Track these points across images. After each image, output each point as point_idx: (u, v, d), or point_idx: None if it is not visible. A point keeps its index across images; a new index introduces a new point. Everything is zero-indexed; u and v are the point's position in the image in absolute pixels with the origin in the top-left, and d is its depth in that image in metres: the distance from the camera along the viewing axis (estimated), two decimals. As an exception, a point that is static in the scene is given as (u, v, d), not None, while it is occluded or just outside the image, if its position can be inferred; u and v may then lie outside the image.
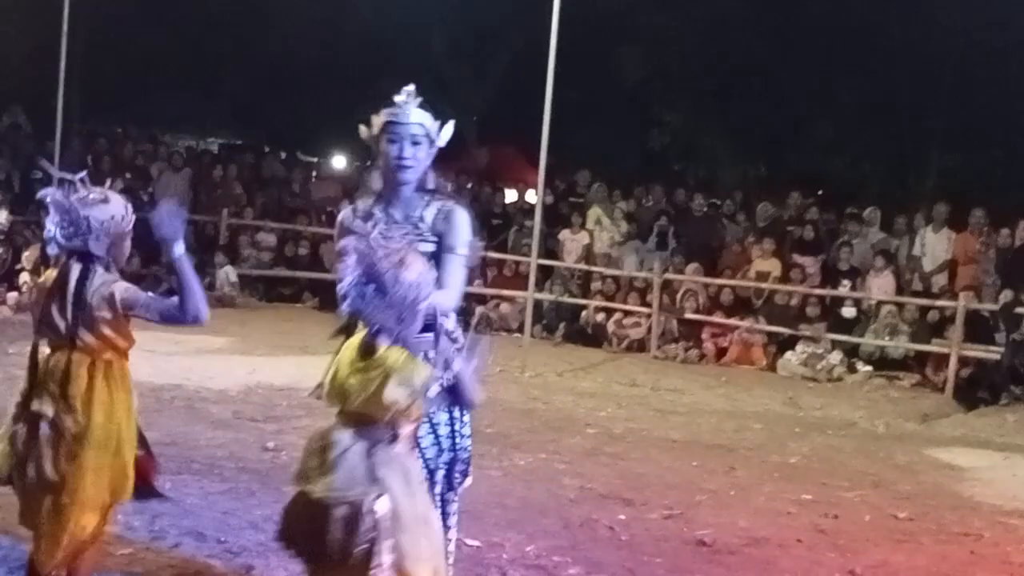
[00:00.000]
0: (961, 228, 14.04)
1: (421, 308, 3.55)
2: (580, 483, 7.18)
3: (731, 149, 20.66)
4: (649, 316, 14.07)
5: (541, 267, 14.22)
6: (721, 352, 13.63)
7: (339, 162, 24.67)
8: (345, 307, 3.60)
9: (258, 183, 18.12)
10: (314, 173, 21.45)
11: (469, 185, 18.74)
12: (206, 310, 3.93)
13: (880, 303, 13.44)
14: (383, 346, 3.49)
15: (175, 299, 3.90)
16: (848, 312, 13.65)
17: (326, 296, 15.91)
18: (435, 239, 4.21)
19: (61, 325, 4.01)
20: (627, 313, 14.41)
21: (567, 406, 10.10)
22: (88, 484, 3.91)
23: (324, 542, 3.40)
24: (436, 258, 4.09)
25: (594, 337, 14.37)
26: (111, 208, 4.04)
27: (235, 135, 24.72)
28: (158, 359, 9.35)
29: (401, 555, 3.41)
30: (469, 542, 5.69)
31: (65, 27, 14.81)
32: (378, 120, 4.34)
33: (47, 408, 3.99)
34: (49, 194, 4.04)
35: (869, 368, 13.04)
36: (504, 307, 15.07)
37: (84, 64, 15.97)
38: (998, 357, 12.34)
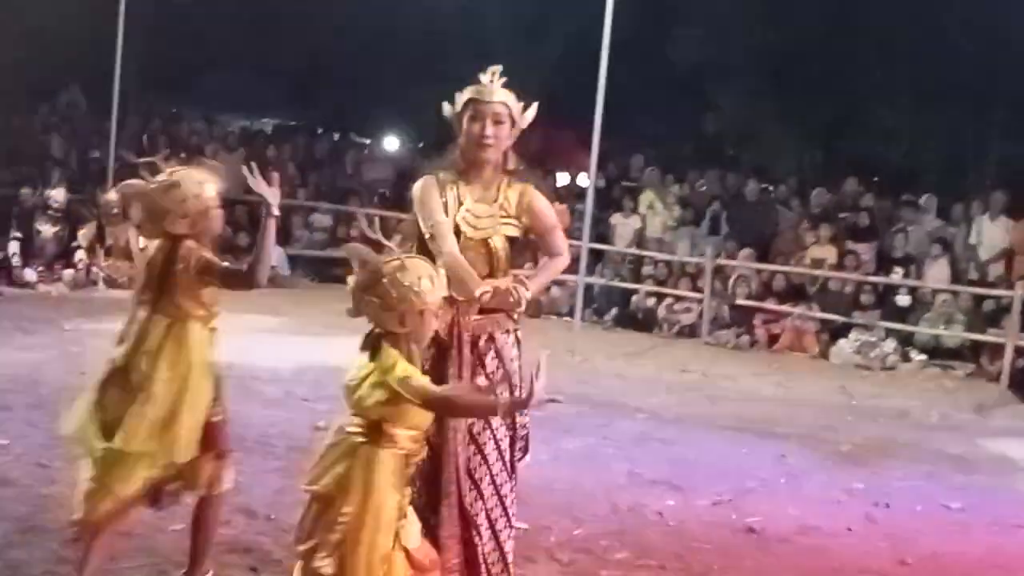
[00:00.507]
0: (1019, 217, 13.83)
1: (426, 311, 3.61)
2: (629, 468, 7.17)
3: (786, 134, 20.47)
4: (700, 302, 14.00)
5: (592, 251, 14.20)
6: (773, 339, 13.52)
7: (391, 144, 24.73)
8: (349, 312, 3.71)
9: (311, 164, 18.21)
10: (366, 154, 21.53)
11: (522, 168, 18.75)
12: (265, 279, 4.25)
13: (936, 292, 13.28)
14: (386, 348, 3.59)
15: (242, 266, 4.28)
16: (903, 300, 13.49)
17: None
18: (518, 222, 4.42)
19: (149, 291, 4.38)
20: (678, 298, 14.34)
21: (617, 391, 10.07)
22: (141, 434, 4.18)
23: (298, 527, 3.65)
24: (514, 241, 4.43)
25: (644, 322, 14.31)
26: (183, 190, 4.40)
27: (289, 116, 24.83)
28: (211, 337, 9.43)
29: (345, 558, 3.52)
30: (518, 525, 5.69)
31: (123, 6, 14.97)
32: (461, 98, 4.41)
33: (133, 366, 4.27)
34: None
35: (923, 357, 12.89)
36: (555, 291, 15.03)
37: (141, 43, 16.10)
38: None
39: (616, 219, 15.56)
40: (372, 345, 3.63)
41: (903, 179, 17.62)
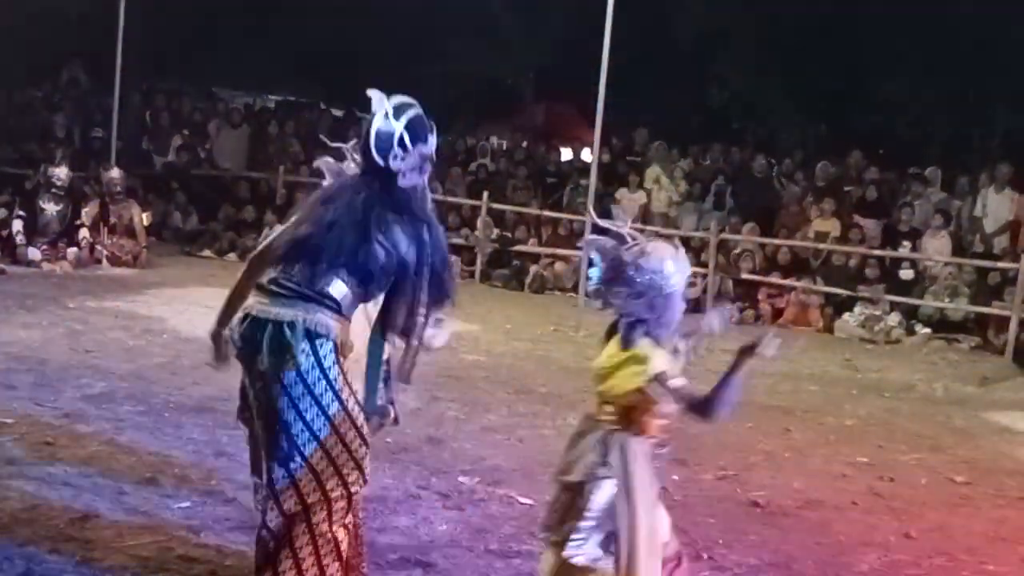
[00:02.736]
0: (1024, 191, 13.80)
1: (673, 293, 3.71)
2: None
3: (791, 108, 20.41)
4: (705, 276, 13.97)
5: (597, 226, 14.15)
6: (777, 313, 13.50)
7: (395, 119, 24.65)
8: (598, 305, 3.84)
9: (315, 140, 18.15)
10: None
11: (524, 143, 18.68)
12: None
13: (941, 264, 13.26)
14: (639, 338, 3.65)
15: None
16: (906, 274, 13.47)
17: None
18: None
19: None
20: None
21: (621, 366, 10.05)
22: None
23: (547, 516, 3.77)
24: None
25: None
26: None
27: (293, 92, 24.76)
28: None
29: (619, 546, 3.59)
30: (523, 500, 5.71)
31: (124, -18, 14.90)
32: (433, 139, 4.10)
33: None
34: None
35: (928, 330, 12.88)
36: (559, 266, 15.03)
37: (143, 19, 16.03)
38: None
39: (621, 194, 15.51)
40: (617, 332, 3.70)
41: (908, 152, 17.56)
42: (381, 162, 3.82)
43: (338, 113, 19.54)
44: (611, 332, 3.78)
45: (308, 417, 3.71)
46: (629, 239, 3.78)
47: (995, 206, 13.83)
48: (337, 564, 3.77)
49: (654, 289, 3.66)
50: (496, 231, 15.62)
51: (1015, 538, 5.87)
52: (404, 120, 3.87)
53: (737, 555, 5.23)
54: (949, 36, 18.20)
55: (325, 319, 3.74)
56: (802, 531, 5.68)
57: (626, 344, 3.67)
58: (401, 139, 3.85)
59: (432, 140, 3.98)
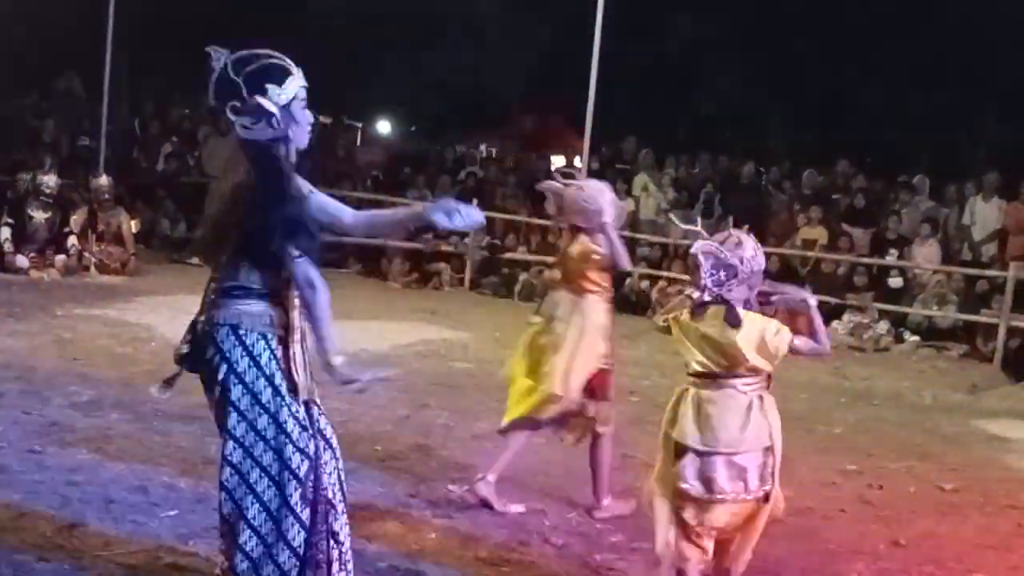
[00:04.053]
0: (1012, 197, 13.84)
1: (759, 275, 4.41)
2: (623, 451, 7.15)
3: (780, 117, 20.48)
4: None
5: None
6: (766, 320, 13.50)
7: (384, 127, 24.68)
8: (707, 297, 4.33)
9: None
10: (359, 137, 21.49)
11: (514, 151, 18.71)
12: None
13: (930, 273, 13.30)
14: (742, 313, 4.28)
15: None
16: (895, 282, 13.51)
17: (369, 262, 15.98)
18: None
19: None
20: (671, 281, 14.34)
21: (611, 374, 10.06)
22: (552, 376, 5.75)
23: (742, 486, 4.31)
24: None
25: (638, 305, 14.30)
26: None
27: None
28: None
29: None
30: (513, 508, 5.70)
31: (113, -9, 14.88)
32: (290, 88, 3.83)
33: None
34: None
35: (916, 338, 12.92)
36: (547, 273, 15.03)
37: (133, 27, 16.02)
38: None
39: (609, 202, 15.52)
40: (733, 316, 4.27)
41: (896, 160, 17.62)
42: (222, 112, 3.72)
43: (326, 120, 19.56)
44: (696, 316, 4.39)
45: (250, 418, 3.70)
46: (717, 239, 4.37)
47: (983, 214, 13.89)
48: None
49: (755, 273, 4.38)
50: (486, 239, 15.63)
51: (1004, 546, 5.88)
52: (245, 71, 3.70)
53: (726, 563, 5.23)
54: (937, 46, 18.28)
55: (249, 309, 3.70)
56: (792, 539, 5.67)
57: (736, 323, 4.27)
58: (238, 89, 3.69)
59: (280, 92, 3.74)
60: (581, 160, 13.35)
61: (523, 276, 15.08)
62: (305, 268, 3.71)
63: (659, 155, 16.33)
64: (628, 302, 14.37)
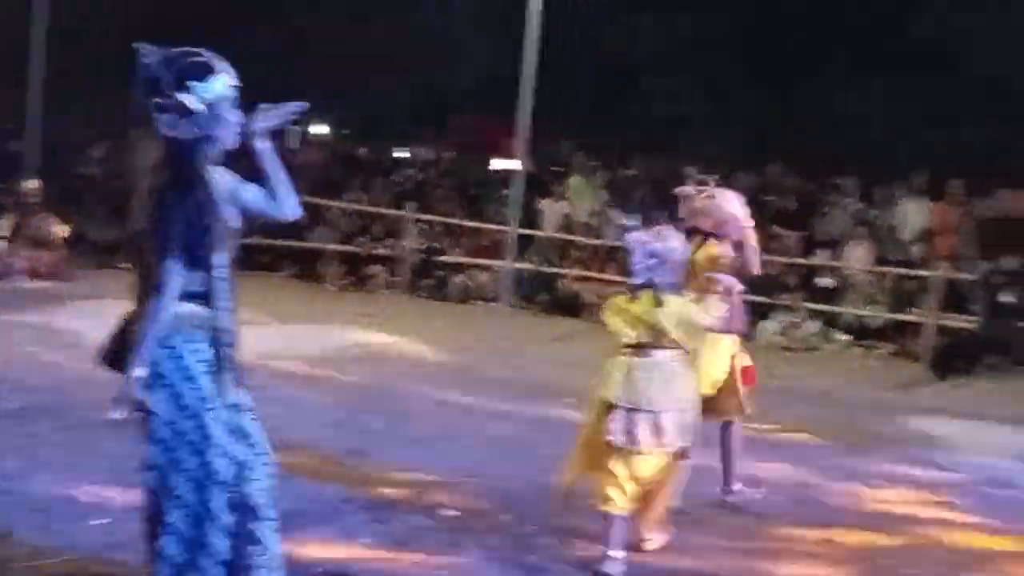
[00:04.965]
0: (940, 198, 14.07)
1: (684, 263, 5.20)
2: (557, 452, 7.16)
3: (715, 119, 20.61)
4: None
5: (521, 236, 14.22)
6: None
7: (320, 129, 24.52)
8: (638, 280, 5.09)
9: (241, 148, 17.97)
10: (298, 139, 21.33)
11: (452, 154, 18.69)
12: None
13: (860, 273, 13.48)
14: (668, 296, 5.05)
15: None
16: (826, 282, 13.68)
17: (304, 265, 15.90)
18: None
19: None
20: (606, 283, 14.40)
21: (545, 376, 10.10)
22: None
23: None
24: None
25: (573, 306, 14.36)
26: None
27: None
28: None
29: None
30: (447, 512, 5.70)
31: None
32: (215, 86, 3.76)
33: None
34: None
35: (847, 337, 13.09)
36: (483, 276, 15.05)
37: (62, 24, 15.79)
38: (974, 327, 12.41)
39: (544, 204, 15.59)
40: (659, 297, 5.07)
41: (827, 163, 17.83)
42: (148, 111, 3.69)
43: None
44: (631, 298, 5.13)
45: (173, 421, 3.67)
46: (647, 232, 5.15)
47: (911, 215, 14.09)
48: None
49: (680, 262, 5.14)
50: (422, 242, 15.62)
51: (932, 542, 5.97)
52: (171, 68, 3.66)
53: (660, 561, 5.27)
54: (868, 48, 18.52)
55: (175, 310, 3.66)
56: (726, 536, 5.73)
57: (661, 303, 5.04)
58: (162, 86, 3.65)
59: (205, 91, 3.69)
60: (518, 162, 13.38)
61: (459, 278, 15.09)
62: (171, 274, 3.62)
63: (594, 157, 16.39)
64: (562, 303, 14.44)
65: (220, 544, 3.71)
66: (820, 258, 13.89)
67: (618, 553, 5.05)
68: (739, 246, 6.19)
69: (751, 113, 20.16)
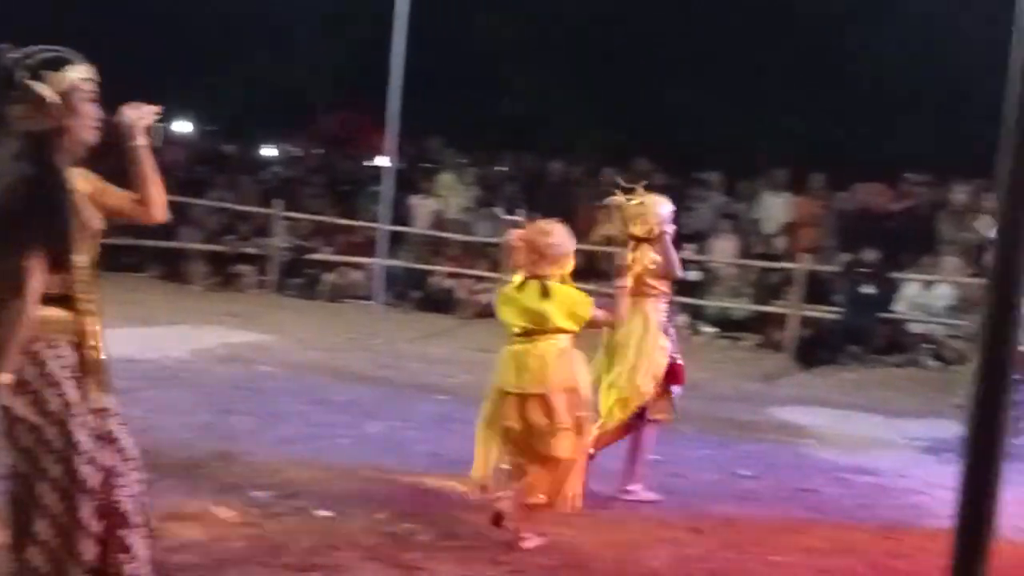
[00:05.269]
0: (801, 192, 14.42)
1: (568, 256, 5.44)
2: (431, 450, 7.19)
3: (584, 115, 20.79)
4: (499, 281, 14.10)
5: (392, 233, 14.16)
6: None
7: (184, 126, 24.08)
8: (525, 272, 5.41)
9: (103, 147, 17.54)
10: (160, 137, 20.89)
11: (320, 151, 18.51)
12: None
13: (725, 266, 13.74)
14: (552, 285, 5.35)
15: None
16: (692, 275, 13.90)
17: (168, 265, 15.58)
18: None
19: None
20: (477, 279, 14.44)
21: (418, 373, 10.09)
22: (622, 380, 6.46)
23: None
24: None
25: (445, 303, 14.37)
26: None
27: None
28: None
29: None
30: (320, 513, 5.64)
31: None
32: (69, 76, 3.66)
33: None
34: None
35: (713, 330, 13.33)
36: (354, 274, 14.95)
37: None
38: (836, 317, 12.76)
39: (415, 201, 15.55)
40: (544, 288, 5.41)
41: (693, 157, 18.13)
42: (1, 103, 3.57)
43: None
44: (520, 288, 5.42)
45: (37, 428, 3.56)
46: (532, 226, 5.50)
47: (774, 209, 14.42)
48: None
49: (563, 256, 5.43)
50: (291, 240, 15.44)
51: (798, 529, 6.11)
52: (24, 62, 3.57)
53: (534, 556, 5.29)
54: (731, 43, 18.87)
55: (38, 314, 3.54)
56: (596, 530, 5.78)
57: (547, 294, 5.34)
58: (15, 80, 3.56)
59: (57, 82, 3.60)
60: (388, 159, 13.30)
61: (330, 277, 14.95)
62: (31, 276, 3.51)
63: (464, 154, 16.41)
64: (434, 300, 14.43)
65: (88, 553, 3.61)
66: (686, 252, 14.10)
67: (532, 539, 5.38)
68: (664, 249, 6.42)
69: (619, 108, 20.39)
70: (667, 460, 7.36)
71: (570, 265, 5.51)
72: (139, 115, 3.85)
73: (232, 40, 20.70)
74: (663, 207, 6.48)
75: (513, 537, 5.36)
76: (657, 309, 6.40)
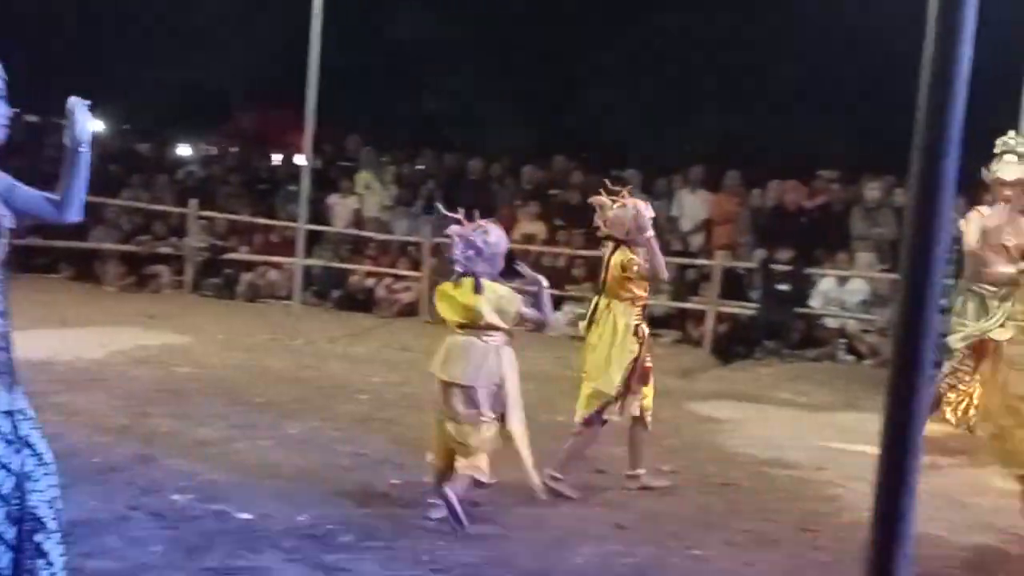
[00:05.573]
0: (716, 189, 14.58)
1: (501, 255, 5.79)
2: (353, 449, 7.16)
3: (504, 114, 20.83)
4: (419, 280, 14.09)
5: (310, 232, 14.04)
6: (492, 314, 13.75)
7: (97, 125, 23.67)
8: (459, 268, 5.71)
9: (9, 147, 17.17)
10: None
11: (236, 149, 18.31)
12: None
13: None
14: (485, 283, 5.67)
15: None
16: (613, 272, 14.00)
17: (81, 266, 15.31)
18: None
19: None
20: (398, 278, 14.39)
21: (340, 373, 10.03)
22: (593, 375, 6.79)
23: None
24: None
25: (365, 303, 14.30)
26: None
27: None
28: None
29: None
30: (240, 515, 5.59)
31: None
32: None
33: None
34: None
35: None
36: (272, 274, 14.82)
37: None
38: (753, 313, 12.92)
39: (333, 200, 15.45)
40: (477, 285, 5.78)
41: (611, 156, 18.26)
42: None
43: (33, 119, 18.60)
44: (456, 285, 5.73)
45: None
46: (470, 225, 5.79)
47: (690, 206, 14.56)
48: None
49: (497, 254, 5.77)
50: (207, 240, 15.26)
51: (718, 523, 6.19)
52: None
53: (457, 554, 5.29)
54: (652, 44, 19.02)
55: None
56: (519, 527, 5.80)
57: (479, 290, 5.64)
58: None
59: None
60: (305, 157, 13.18)
61: (248, 277, 14.81)
62: None
63: (382, 152, 16.35)
64: (355, 300, 14.35)
65: (2, 559, 3.53)
66: (604, 250, 14.20)
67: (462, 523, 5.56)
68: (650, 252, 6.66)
69: (539, 107, 20.48)
70: (589, 457, 7.40)
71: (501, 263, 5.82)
72: (87, 117, 3.77)
73: (147, 37, 20.42)
74: (644, 211, 6.66)
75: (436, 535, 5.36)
76: (628, 312, 6.59)
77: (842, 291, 13.06)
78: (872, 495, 1.80)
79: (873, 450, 1.84)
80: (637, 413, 6.71)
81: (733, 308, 13.11)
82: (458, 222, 5.85)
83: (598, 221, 6.83)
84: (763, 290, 13.05)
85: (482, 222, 5.85)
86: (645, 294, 6.74)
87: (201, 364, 9.85)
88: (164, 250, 15.31)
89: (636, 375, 6.61)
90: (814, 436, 8.72)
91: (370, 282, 14.55)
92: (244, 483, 6.16)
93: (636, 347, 6.58)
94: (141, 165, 17.68)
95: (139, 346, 10.47)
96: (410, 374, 10.15)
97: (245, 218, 15.51)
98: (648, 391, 6.78)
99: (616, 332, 6.54)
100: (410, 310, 14.04)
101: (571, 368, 10.98)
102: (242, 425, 7.65)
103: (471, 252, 5.69)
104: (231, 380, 9.27)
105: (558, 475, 6.49)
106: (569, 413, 8.75)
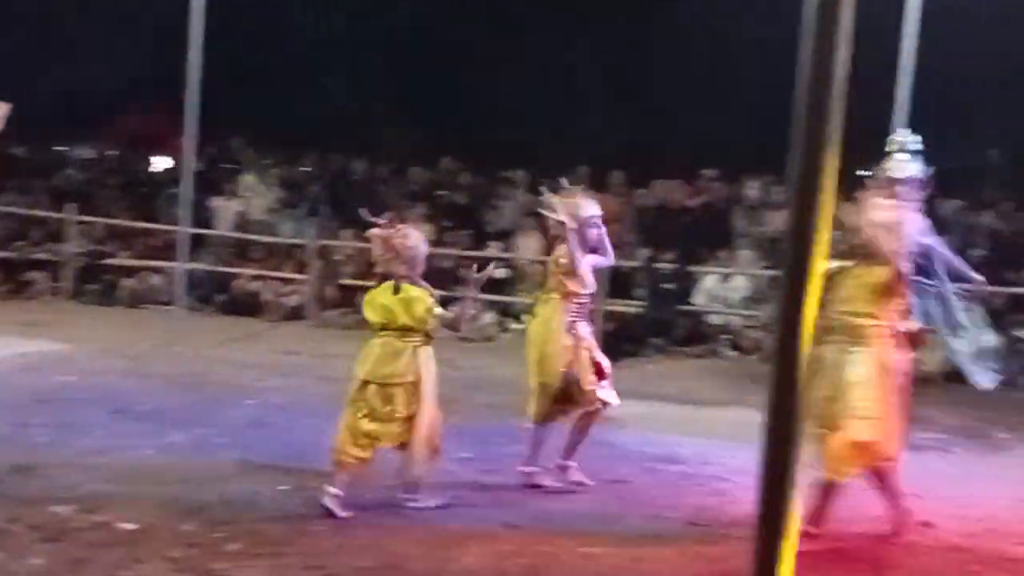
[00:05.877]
0: (602, 190, 14.70)
1: (421, 258, 6.02)
2: (241, 455, 7.06)
3: (393, 115, 20.73)
4: (305, 283, 13.97)
5: (193, 236, 13.82)
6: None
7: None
8: (379, 270, 5.98)
9: None
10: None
11: (116, 152, 17.94)
12: None
13: (530, 263, 13.91)
14: (404, 285, 5.93)
15: None
16: (500, 273, 14.02)
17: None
18: None
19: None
20: (284, 281, 14.25)
21: (226, 378, 9.88)
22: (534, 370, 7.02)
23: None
24: None
25: (251, 307, 14.12)
26: None
27: None
28: None
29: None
30: (124, 525, 5.48)
31: None
32: None
33: None
34: None
35: (521, 326, 13.47)
36: (155, 278, 14.54)
37: None
38: (639, 311, 13.07)
39: (217, 202, 15.23)
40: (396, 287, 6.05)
41: (498, 156, 18.29)
42: None
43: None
44: (379, 287, 6.01)
45: None
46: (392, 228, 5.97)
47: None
48: None
49: (417, 257, 6.02)
50: (86, 245, 14.92)
51: (610, 519, 6.24)
52: None
53: (348, 559, 5.26)
54: (538, 45, 19.11)
55: None
56: (412, 529, 5.78)
57: (397, 292, 5.91)
58: None
59: None
60: (186, 160, 12.98)
61: (129, 282, 14.51)
62: None
63: (266, 154, 16.16)
64: (240, 304, 14.16)
65: None
66: (492, 250, 14.24)
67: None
68: (596, 248, 6.95)
69: (426, 107, 20.42)
70: (480, 458, 7.42)
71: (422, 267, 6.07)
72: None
73: (20, 38, 19.87)
74: (581, 209, 6.89)
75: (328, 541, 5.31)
76: (563, 309, 6.73)
77: (725, 288, 13.29)
78: (757, 488, 1.84)
79: (757, 443, 1.88)
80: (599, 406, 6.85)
81: (619, 306, 13.24)
82: (378, 225, 6.00)
83: (552, 220, 6.90)
84: (648, 288, 13.20)
85: (403, 225, 6.05)
86: (581, 290, 6.79)
87: (82, 372, 9.63)
88: (40, 256, 14.93)
89: (585, 368, 6.76)
90: (700, 431, 8.85)
91: (255, 286, 14.37)
92: (128, 493, 6.03)
93: (570, 342, 6.70)
94: (17, 169, 17.21)
95: (17, 354, 10.18)
96: (297, 378, 10.06)
97: (124, 222, 15.20)
98: (607, 387, 6.96)
99: (549, 329, 6.73)
100: (296, 314, 13.90)
101: (461, 369, 11.04)
102: (125, 434, 7.49)
103: (390, 254, 5.91)
104: (113, 388, 9.07)
105: (569, 463, 6.82)
106: (461, 415, 8.79)
